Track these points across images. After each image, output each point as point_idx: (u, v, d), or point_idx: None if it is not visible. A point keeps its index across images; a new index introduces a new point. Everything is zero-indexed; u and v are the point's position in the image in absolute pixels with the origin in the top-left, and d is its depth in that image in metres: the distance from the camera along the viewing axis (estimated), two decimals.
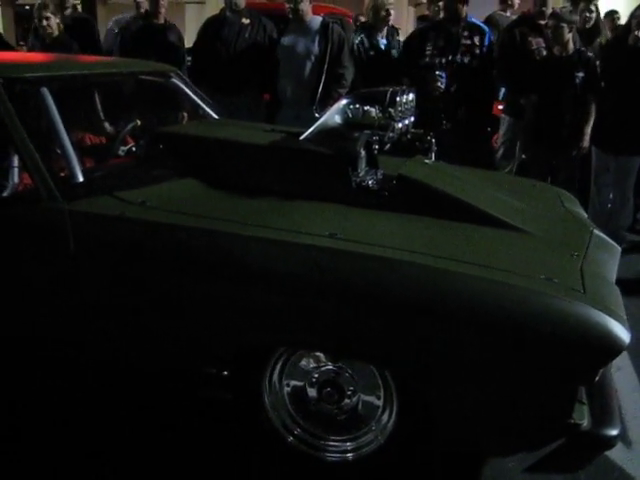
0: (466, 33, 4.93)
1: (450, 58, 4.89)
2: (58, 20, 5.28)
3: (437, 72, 4.80)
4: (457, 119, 4.87)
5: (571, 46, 4.93)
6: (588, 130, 4.96)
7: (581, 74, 4.88)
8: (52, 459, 2.45)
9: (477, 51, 4.95)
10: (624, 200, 5.13)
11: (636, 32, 4.64)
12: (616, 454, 2.59)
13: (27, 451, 2.48)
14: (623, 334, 1.90)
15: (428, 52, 4.89)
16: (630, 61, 4.78)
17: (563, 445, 2.03)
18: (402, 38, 5.66)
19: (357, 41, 5.04)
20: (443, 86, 4.80)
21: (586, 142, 4.99)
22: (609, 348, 1.89)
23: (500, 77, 5.41)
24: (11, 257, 2.48)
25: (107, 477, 2.37)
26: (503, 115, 5.69)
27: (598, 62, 4.93)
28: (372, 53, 5.03)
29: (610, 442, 2.03)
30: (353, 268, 2.07)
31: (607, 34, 5.86)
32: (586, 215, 3.19)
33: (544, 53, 5.22)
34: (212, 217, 2.33)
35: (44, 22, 5.17)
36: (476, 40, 4.95)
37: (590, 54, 4.99)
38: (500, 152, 5.71)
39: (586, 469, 2.48)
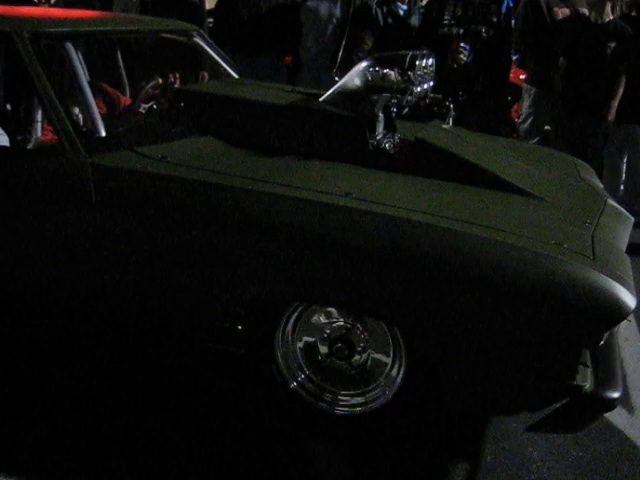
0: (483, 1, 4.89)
1: (467, 28, 4.84)
2: None
3: (462, 44, 4.76)
4: (474, 91, 4.84)
5: (608, 15, 4.80)
6: (615, 103, 4.86)
7: (613, 44, 4.77)
8: (67, 409, 2.55)
9: (494, 19, 4.90)
10: (637, 172, 5.09)
11: None
12: (618, 419, 2.65)
13: (50, 405, 2.56)
14: (629, 299, 1.94)
15: (446, 22, 4.85)
16: None
17: (565, 406, 2.09)
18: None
19: (375, 6, 5.00)
20: (466, 59, 4.77)
21: (612, 115, 4.90)
22: (614, 312, 1.93)
23: (526, 51, 5.31)
24: (34, 208, 2.53)
25: (120, 427, 2.46)
26: (527, 85, 5.59)
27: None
28: (390, 20, 5.00)
29: (610, 404, 2.08)
30: (367, 227, 2.12)
31: None
32: (602, 186, 3.20)
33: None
34: (230, 174, 2.38)
35: None
36: (492, 8, 4.90)
37: (626, 25, 4.81)
38: (526, 124, 5.57)
39: (589, 433, 2.55)
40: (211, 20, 5.74)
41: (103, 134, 2.58)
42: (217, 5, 5.46)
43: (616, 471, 2.43)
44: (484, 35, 4.88)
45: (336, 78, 4.51)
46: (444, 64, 4.61)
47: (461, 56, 4.74)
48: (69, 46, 2.71)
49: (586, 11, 4.96)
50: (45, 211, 2.51)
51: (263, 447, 2.41)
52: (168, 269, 2.38)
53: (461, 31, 4.82)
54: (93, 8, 5.06)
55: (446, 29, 4.85)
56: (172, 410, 2.55)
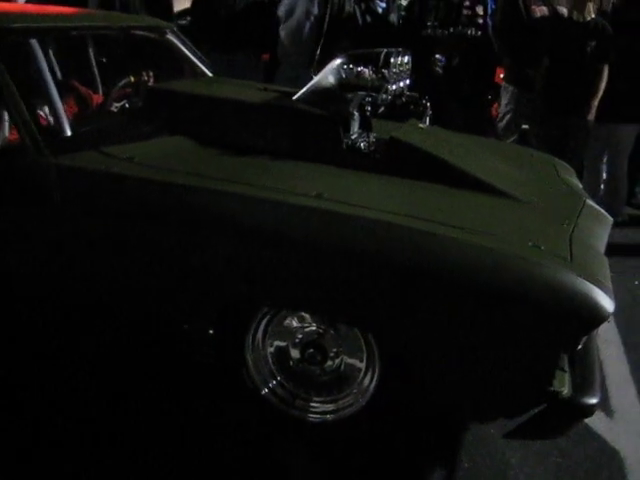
0: (467, 2, 4.82)
1: (452, 30, 4.77)
2: None
3: (437, 56, 4.68)
4: (460, 94, 4.78)
5: (590, 13, 4.74)
6: (595, 102, 4.82)
7: (593, 43, 4.73)
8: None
9: (480, 21, 4.83)
10: (618, 172, 5.06)
11: None
12: (598, 423, 2.61)
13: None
14: (606, 303, 1.89)
15: (429, 23, 4.77)
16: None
17: (542, 412, 2.03)
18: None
19: (353, 3, 4.94)
20: (441, 71, 4.70)
21: (592, 114, 4.85)
22: (592, 316, 1.88)
23: (504, 49, 5.26)
24: None
25: (90, 431, 2.39)
26: (505, 84, 5.55)
27: None
28: (368, 18, 4.93)
29: (588, 410, 2.03)
30: (338, 229, 2.05)
31: None
32: (581, 186, 3.16)
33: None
34: (199, 174, 2.31)
35: None
36: (479, 9, 4.84)
37: (607, 24, 4.76)
38: (503, 123, 5.55)
39: (568, 438, 2.51)
40: (188, 18, 5.66)
41: (68, 134, 2.50)
42: (193, 3, 5.38)
43: (595, 476, 2.39)
44: (470, 37, 4.82)
45: (314, 76, 4.43)
46: (426, 66, 4.55)
47: (437, 69, 4.67)
48: (34, 42, 2.62)
49: (564, 9, 4.92)
50: (8, 212, 2.44)
51: (235, 455, 2.34)
52: (135, 272, 2.31)
53: (445, 32, 4.74)
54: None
55: (429, 30, 4.77)
56: (143, 416, 2.48)
